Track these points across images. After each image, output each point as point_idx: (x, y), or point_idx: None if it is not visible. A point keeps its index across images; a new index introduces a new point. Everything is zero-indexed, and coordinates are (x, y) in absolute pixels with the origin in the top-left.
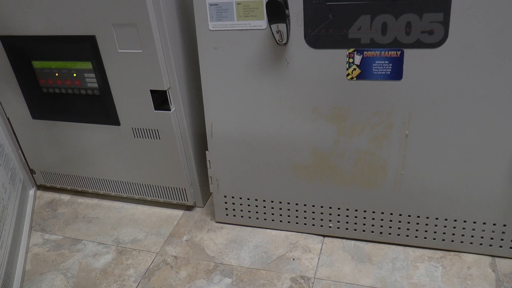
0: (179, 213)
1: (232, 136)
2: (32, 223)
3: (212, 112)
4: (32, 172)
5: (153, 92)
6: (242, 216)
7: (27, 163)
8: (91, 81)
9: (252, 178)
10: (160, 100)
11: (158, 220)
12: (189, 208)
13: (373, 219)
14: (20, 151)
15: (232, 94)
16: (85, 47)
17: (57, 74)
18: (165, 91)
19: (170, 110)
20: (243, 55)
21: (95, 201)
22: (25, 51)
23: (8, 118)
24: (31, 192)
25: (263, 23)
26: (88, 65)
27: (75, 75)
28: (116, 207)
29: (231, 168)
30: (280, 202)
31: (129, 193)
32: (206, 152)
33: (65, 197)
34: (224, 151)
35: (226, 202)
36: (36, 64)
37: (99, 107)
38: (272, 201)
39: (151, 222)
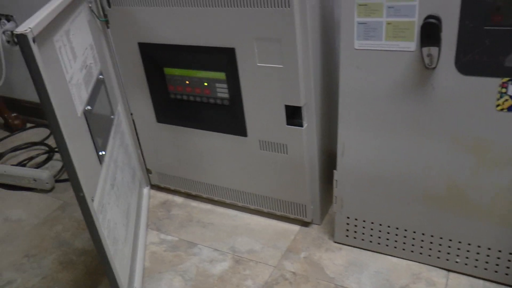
0: (295, 228)
1: (363, 158)
2: (148, 221)
3: (346, 132)
4: (148, 171)
5: (287, 107)
6: (363, 239)
7: (145, 163)
8: (222, 91)
9: (379, 202)
10: (293, 115)
11: (274, 233)
12: (305, 224)
13: (509, 260)
14: (140, 151)
15: (369, 116)
16: (222, 59)
17: (187, 82)
18: (300, 107)
19: (302, 127)
20: (386, 76)
21: (208, 206)
22: (159, 58)
23: (133, 119)
24: (146, 190)
25: (412, 45)
26: (221, 75)
27: (206, 84)
28: (230, 214)
29: (357, 189)
30: (406, 230)
31: (246, 202)
32: (334, 171)
33: (178, 199)
34: (353, 172)
35: (348, 224)
36: (168, 71)
37: (227, 117)
38: (397, 228)
39: (267, 234)
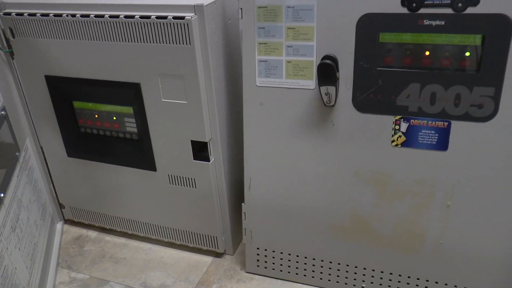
0: (208, 259)
1: (270, 191)
2: (59, 259)
3: (252, 167)
4: (61, 206)
5: (193, 142)
6: (273, 269)
7: (57, 198)
8: (131, 126)
9: (287, 233)
10: (200, 150)
11: (187, 266)
12: (218, 255)
13: (408, 284)
14: (52, 185)
15: (274, 151)
16: (128, 93)
17: (96, 116)
18: (206, 142)
19: (209, 161)
20: (289, 113)
21: (122, 240)
22: (68, 92)
23: (44, 154)
24: (59, 225)
25: (311, 83)
26: (129, 110)
27: (114, 118)
28: (144, 248)
29: (266, 221)
30: (314, 259)
31: (159, 235)
32: (243, 204)
33: (92, 234)
34: (260, 204)
35: (258, 254)
36: (77, 104)
37: (136, 152)
38: (305, 257)
39: (179, 267)
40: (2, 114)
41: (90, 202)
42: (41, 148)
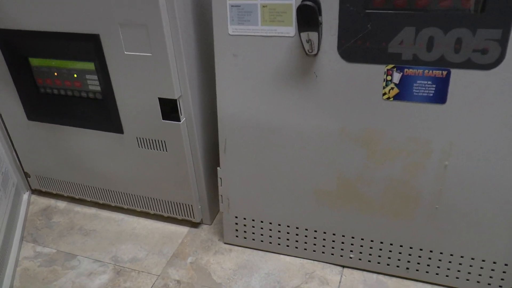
0: (184, 230)
1: (248, 154)
2: (24, 232)
3: (227, 126)
4: (26, 175)
5: (161, 100)
6: (253, 239)
7: (21, 166)
8: (93, 83)
9: (268, 200)
10: (169, 109)
11: (161, 237)
12: (195, 225)
13: (399, 253)
14: (14, 153)
15: (251, 107)
16: (87, 47)
17: (56, 74)
18: (175, 100)
19: (179, 121)
20: (266, 64)
21: (93, 210)
22: (21, 47)
23: (2, 118)
24: (25, 196)
25: (291, 30)
26: (90, 65)
27: (75, 75)
28: (116, 219)
29: (244, 187)
30: (297, 228)
31: (131, 205)
32: (218, 168)
33: (61, 204)
34: (238, 168)
35: (236, 223)
36: (34, 61)
37: (101, 112)
38: (288, 226)
39: (153, 239)
40: None
41: (57, 170)
42: None
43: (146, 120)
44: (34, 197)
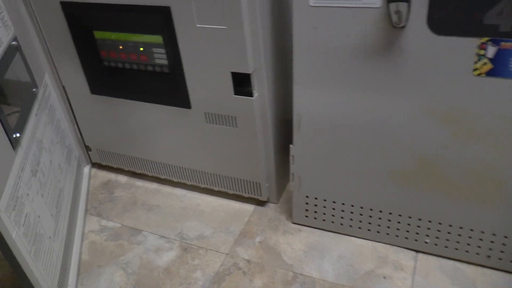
0: (249, 208)
1: (323, 132)
2: (88, 205)
3: (303, 102)
4: (87, 148)
5: (234, 74)
6: (324, 220)
7: (83, 140)
8: (160, 57)
9: (341, 180)
10: (242, 84)
11: (227, 215)
12: (261, 203)
13: (480, 239)
14: (76, 126)
15: (329, 83)
16: (156, 19)
17: (121, 47)
18: (249, 74)
19: (252, 96)
20: (348, 38)
21: (154, 185)
22: (86, 20)
23: (65, 91)
24: (86, 169)
25: (377, 0)
26: (158, 39)
27: (142, 49)
28: (178, 195)
29: (317, 166)
30: (371, 209)
31: (194, 181)
32: (291, 146)
33: (122, 179)
34: (311, 147)
35: (307, 203)
36: (99, 34)
37: (167, 87)
38: (361, 207)
39: (218, 216)
40: (13, 45)
41: (119, 145)
42: (63, 85)
43: (216, 95)
44: (94, 171)
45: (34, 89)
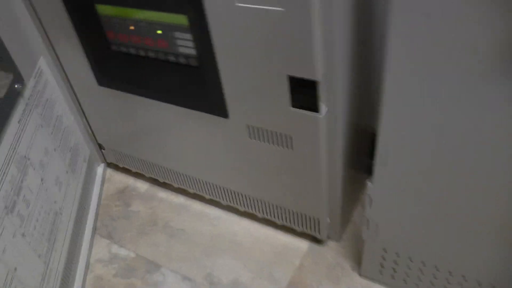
0: (302, 245)
1: (418, 172)
2: (97, 222)
3: (395, 127)
4: (101, 147)
5: (293, 79)
6: (405, 281)
7: (94, 136)
8: (185, 44)
9: (434, 237)
10: (304, 93)
11: (272, 253)
12: (318, 241)
13: None
14: (85, 119)
15: (436, 107)
16: None
17: (132, 28)
18: (315, 81)
19: (318, 112)
20: (476, 35)
21: (181, 199)
22: None
23: (68, 79)
24: (100, 170)
25: None
26: (181, 19)
27: (159, 32)
28: (210, 216)
29: (403, 214)
30: (479, 283)
31: (231, 202)
32: (369, 184)
33: (142, 186)
34: (397, 188)
35: (384, 258)
36: (102, 9)
37: (195, 86)
38: (463, 276)
39: (261, 253)
40: None
41: (136, 147)
42: (64, 71)
43: (265, 105)
44: (110, 172)
45: (17, 85)
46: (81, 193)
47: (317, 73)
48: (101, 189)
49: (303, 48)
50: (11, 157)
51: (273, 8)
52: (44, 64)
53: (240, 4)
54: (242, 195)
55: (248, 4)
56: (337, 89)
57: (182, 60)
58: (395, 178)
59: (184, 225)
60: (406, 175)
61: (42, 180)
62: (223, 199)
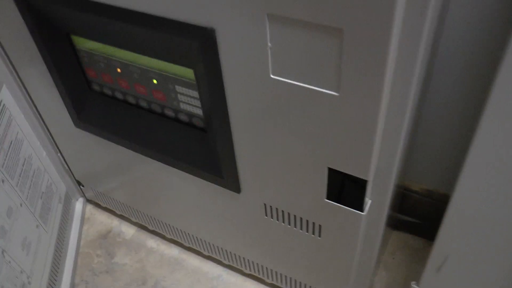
0: None
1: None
2: (75, 277)
3: (457, 237)
4: (79, 183)
5: (333, 172)
6: None
7: (70, 171)
8: (189, 102)
9: None
10: (345, 189)
11: None
12: None
13: None
14: (59, 154)
15: None
16: (187, 48)
17: (119, 70)
18: (365, 181)
19: (362, 210)
20: None
21: (174, 251)
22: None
23: (40, 114)
24: (78, 206)
25: None
26: (185, 73)
27: (155, 81)
28: (209, 275)
29: None
30: None
31: (235, 263)
32: (413, 286)
33: (128, 230)
34: None
35: None
36: (79, 42)
37: (198, 149)
38: None
39: None
40: None
41: (121, 193)
42: (33, 103)
43: (289, 189)
44: (90, 209)
45: None
46: (56, 245)
47: (370, 173)
48: (80, 232)
49: (357, 143)
50: None
51: (325, 90)
52: (7, 96)
53: (275, 77)
54: (248, 260)
55: (288, 79)
56: (388, 184)
57: (183, 118)
58: (447, 285)
59: (178, 285)
60: (462, 285)
61: (3, 252)
62: (224, 259)
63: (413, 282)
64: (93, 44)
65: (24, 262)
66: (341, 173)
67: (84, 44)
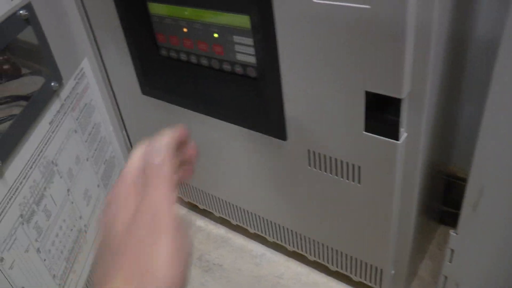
0: None
1: None
2: None
3: (490, 167)
4: None
5: (371, 96)
6: None
7: (131, 145)
8: (244, 51)
9: None
10: (382, 114)
11: None
12: None
13: None
14: (124, 131)
15: None
16: None
17: (185, 30)
18: (400, 99)
19: (397, 139)
20: None
21: (221, 230)
22: None
23: (111, 87)
24: None
25: None
26: (242, 21)
27: (216, 35)
28: (253, 253)
29: (494, 274)
30: None
31: (279, 239)
32: (451, 233)
33: (180, 211)
34: (489, 241)
35: None
36: (154, 8)
37: (251, 101)
38: None
39: None
40: (20, 14)
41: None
42: (108, 77)
43: (332, 126)
44: None
45: (53, 83)
46: None
47: (404, 90)
48: None
49: (392, 57)
50: (35, 160)
51: (358, 5)
52: (87, 66)
53: (317, 0)
54: (292, 232)
55: (328, 1)
56: (423, 109)
57: (238, 70)
58: (487, 226)
59: (222, 260)
60: (500, 224)
61: (68, 191)
62: (269, 235)
63: (452, 230)
64: (164, 9)
65: (83, 210)
66: (377, 96)
67: (157, 9)
